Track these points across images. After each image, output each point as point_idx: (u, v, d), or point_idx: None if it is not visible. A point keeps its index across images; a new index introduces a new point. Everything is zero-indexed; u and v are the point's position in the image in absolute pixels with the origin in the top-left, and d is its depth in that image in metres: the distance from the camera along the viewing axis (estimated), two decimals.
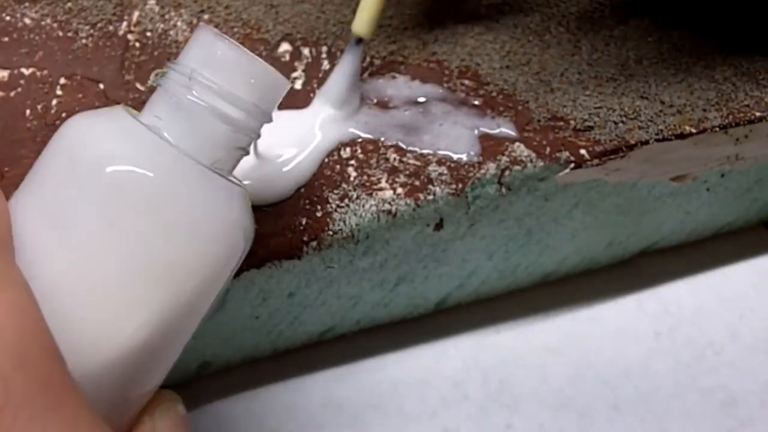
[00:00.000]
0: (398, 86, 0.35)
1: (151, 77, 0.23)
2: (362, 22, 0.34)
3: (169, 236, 0.22)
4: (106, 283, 0.22)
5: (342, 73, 0.34)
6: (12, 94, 0.33)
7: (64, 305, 0.22)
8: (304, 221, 0.31)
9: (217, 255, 0.23)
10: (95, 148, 0.22)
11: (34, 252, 0.22)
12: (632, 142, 0.34)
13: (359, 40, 0.34)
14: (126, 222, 0.22)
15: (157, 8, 0.37)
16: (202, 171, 0.23)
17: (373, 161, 0.33)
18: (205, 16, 0.37)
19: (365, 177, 0.32)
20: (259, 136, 0.24)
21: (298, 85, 0.35)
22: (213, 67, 0.23)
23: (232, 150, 0.24)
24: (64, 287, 0.22)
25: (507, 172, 0.33)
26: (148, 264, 0.22)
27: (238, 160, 0.25)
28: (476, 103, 0.35)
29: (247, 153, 0.25)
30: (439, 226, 0.33)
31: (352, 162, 0.33)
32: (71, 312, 0.22)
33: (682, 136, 0.35)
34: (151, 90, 0.25)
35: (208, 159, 0.23)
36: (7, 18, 0.36)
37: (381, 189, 0.32)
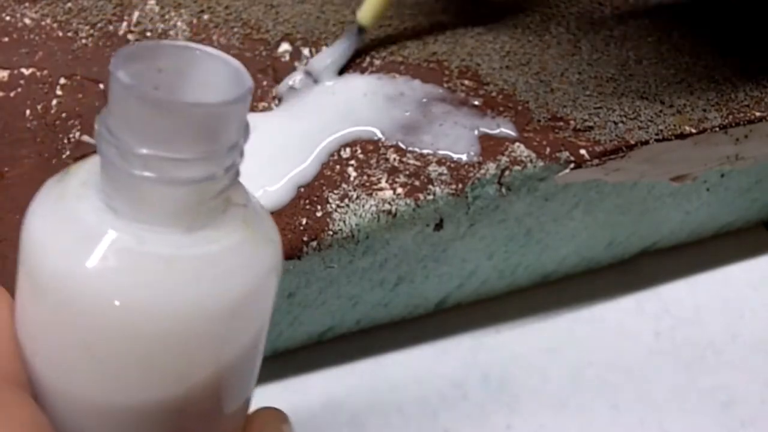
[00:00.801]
0: (398, 86, 0.35)
1: (96, 125, 0.19)
2: (367, 12, 0.35)
3: (155, 353, 0.18)
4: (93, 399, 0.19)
5: (337, 54, 0.35)
6: (12, 94, 0.33)
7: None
8: (304, 221, 0.31)
9: (235, 335, 0.20)
10: (43, 263, 0.19)
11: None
12: (632, 142, 0.34)
13: (361, 30, 0.35)
14: (103, 350, 0.18)
15: (157, 8, 0.37)
16: (170, 258, 0.18)
17: (373, 161, 0.33)
18: (205, 16, 0.37)
19: (365, 177, 0.32)
20: (242, 157, 0.19)
21: (298, 85, 0.35)
22: (140, 131, 0.18)
23: (209, 200, 0.19)
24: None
25: (507, 172, 0.33)
26: (146, 381, 0.19)
27: (227, 197, 0.20)
28: (476, 103, 0.35)
29: (235, 182, 0.20)
30: (439, 226, 0.33)
31: (352, 162, 0.33)
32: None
33: (682, 136, 0.35)
34: None
35: (181, 225, 0.19)
36: (7, 18, 0.36)
37: (381, 189, 0.32)
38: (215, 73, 0.19)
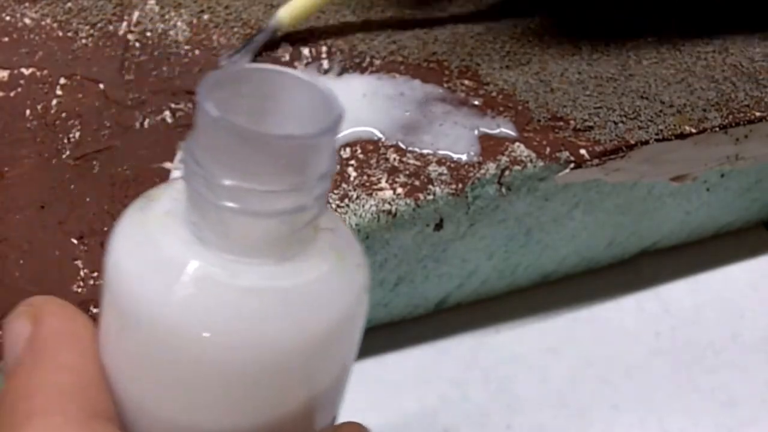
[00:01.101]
0: (398, 86, 0.35)
1: (181, 153, 0.18)
2: (290, 13, 0.35)
3: (259, 391, 0.18)
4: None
5: (250, 51, 0.35)
6: (12, 94, 0.33)
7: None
8: None
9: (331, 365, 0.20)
10: (130, 295, 0.18)
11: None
12: (632, 142, 0.34)
13: (276, 30, 0.35)
14: (193, 380, 0.18)
15: (157, 8, 0.37)
16: (262, 291, 0.18)
17: (373, 161, 0.33)
18: (205, 16, 0.37)
19: (365, 177, 0.32)
20: (328, 185, 0.18)
21: None
22: (228, 162, 0.17)
23: (299, 230, 0.18)
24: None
25: (507, 172, 0.33)
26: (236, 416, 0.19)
27: (316, 224, 0.19)
28: (476, 103, 0.35)
29: (324, 209, 0.19)
30: (439, 226, 0.33)
31: (352, 162, 0.33)
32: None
33: (682, 136, 0.35)
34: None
35: (272, 256, 0.18)
36: (7, 18, 0.36)
37: (381, 189, 0.32)
38: (303, 98, 0.18)
